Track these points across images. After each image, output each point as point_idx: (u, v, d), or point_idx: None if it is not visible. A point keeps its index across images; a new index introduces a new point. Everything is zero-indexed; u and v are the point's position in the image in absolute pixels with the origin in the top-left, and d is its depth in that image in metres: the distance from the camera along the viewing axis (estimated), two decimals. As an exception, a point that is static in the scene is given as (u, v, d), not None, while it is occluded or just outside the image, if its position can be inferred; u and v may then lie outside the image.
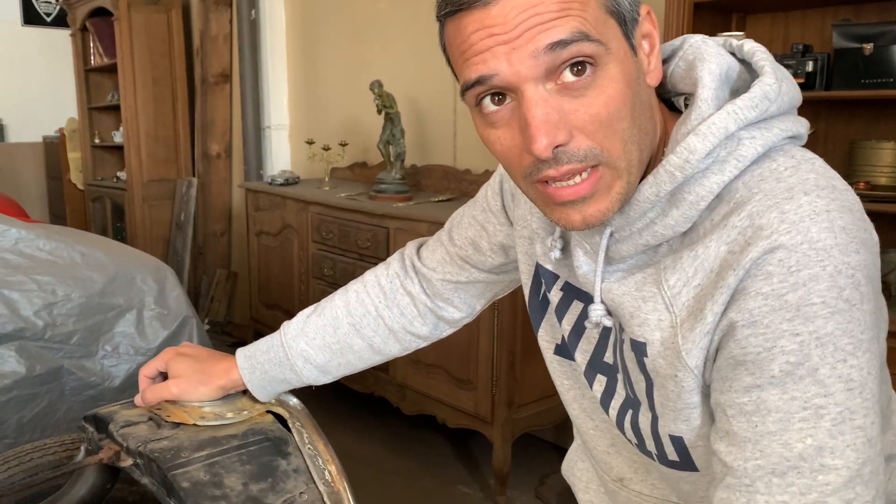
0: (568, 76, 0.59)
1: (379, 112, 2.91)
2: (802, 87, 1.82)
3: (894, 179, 1.72)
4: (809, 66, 1.82)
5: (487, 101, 0.62)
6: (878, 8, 1.85)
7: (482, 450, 2.69)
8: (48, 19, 5.47)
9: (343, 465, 0.92)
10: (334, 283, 2.92)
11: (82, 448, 0.96)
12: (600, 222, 0.64)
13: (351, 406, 3.07)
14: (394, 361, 2.66)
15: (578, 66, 0.59)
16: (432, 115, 3.10)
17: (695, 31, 1.95)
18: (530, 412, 2.43)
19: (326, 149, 3.26)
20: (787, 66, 1.81)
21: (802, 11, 1.98)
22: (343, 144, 3.29)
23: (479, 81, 0.60)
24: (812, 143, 1.96)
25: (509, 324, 2.30)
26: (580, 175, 0.61)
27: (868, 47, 1.72)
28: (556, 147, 0.59)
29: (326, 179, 3.29)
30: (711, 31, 1.97)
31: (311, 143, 3.36)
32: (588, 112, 0.59)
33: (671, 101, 0.72)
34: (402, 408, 2.70)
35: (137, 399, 0.97)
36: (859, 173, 1.76)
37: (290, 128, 3.99)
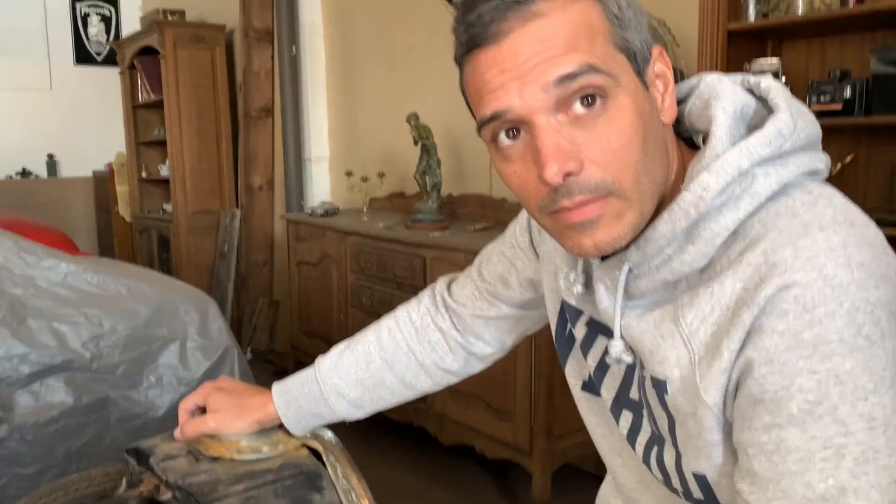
0: (578, 108, 0.61)
1: (415, 143, 2.95)
2: (841, 113, 1.80)
3: (939, 205, 1.69)
4: (847, 92, 1.80)
5: (503, 136, 0.64)
6: (918, 32, 1.83)
7: (522, 481, 2.67)
8: (99, 59, 5.68)
9: (382, 496, 0.93)
10: (372, 311, 2.95)
11: (124, 480, 0.99)
12: (612, 249, 0.64)
13: (389, 436, 3.08)
14: (432, 391, 2.66)
15: (589, 98, 0.61)
16: (468, 145, 3.13)
17: (730, 58, 1.95)
18: (570, 443, 2.41)
19: (365, 180, 3.32)
20: (824, 92, 1.81)
21: (840, 37, 1.97)
22: (381, 175, 3.34)
23: (493, 117, 0.63)
24: (852, 169, 1.93)
25: (547, 353, 2.29)
26: (591, 204, 0.62)
27: (908, 72, 1.69)
28: (568, 175, 0.61)
29: (365, 209, 3.34)
30: (746, 59, 1.97)
31: (350, 174, 3.41)
32: (599, 143, 0.61)
33: (691, 139, 0.73)
34: (441, 438, 2.69)
35: (177, 433, 0.99)
36: (902, 199, 1.73)
37: (329, 160, 4.06)
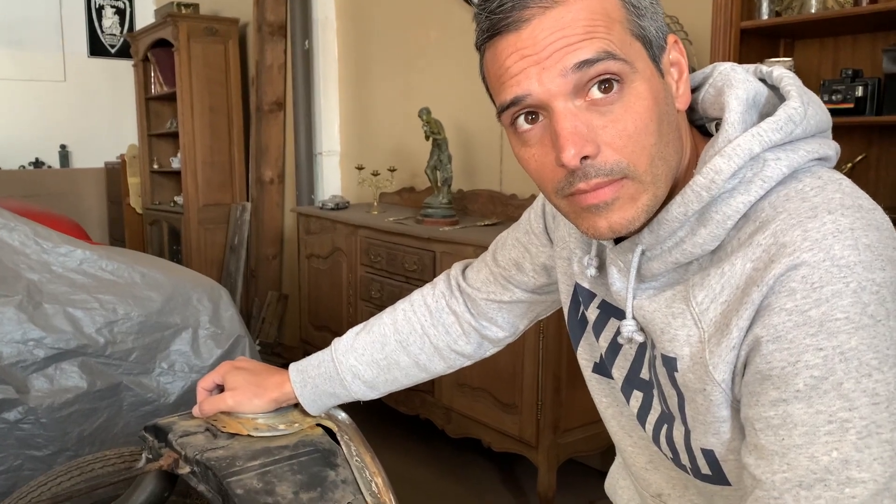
0: (595, 93, 0.63)
1: (427, 138, 2.97)
2: (852, 111, 1.81)
3: (948, 205, 1.70)
4: (859, 91, 1.81)
5: (521, 120, 0.66)
6: (931, 32, 1.83)
7: (527, 475, 2.69)
8: (112, 51, 5.72)
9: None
10: (381, 305, 2.97)
11: (143, 455, 1.01)
12: (626, 231, 0.66)
13: (397, 428, 3.10)
14: (439, 384, 2.68)
15: (605, 84, 0.62)
16: (479, 141, 3.15)
17: (742, 56, 1.96)
18: (576, 437, 2.42)
19: (376, 174, 3.34)
20: (836, 91, 1.82)
21: (853, 37, 1.97)
22: (392, 170, 3.36)
23: (513, 102, 0.64)
24: (864, 168, 1.94)
25: (554, 347, 2.30)
26: (607, 186, 0.64)
27: (919, 72, 1.70)
28: (584, 158, 0.63)
29: (375, 204, 3.36)
30: (759, 57, 1.98)
31: (360, 168, 3.44)
32: (616, 127, 0.63)
33: (705, 126, 0.75)
34: (448, 430, 2.71)
35: (195, 410, 1.02)
36: (912, 198, 1.73)
37: (340, 154, 4.08)
